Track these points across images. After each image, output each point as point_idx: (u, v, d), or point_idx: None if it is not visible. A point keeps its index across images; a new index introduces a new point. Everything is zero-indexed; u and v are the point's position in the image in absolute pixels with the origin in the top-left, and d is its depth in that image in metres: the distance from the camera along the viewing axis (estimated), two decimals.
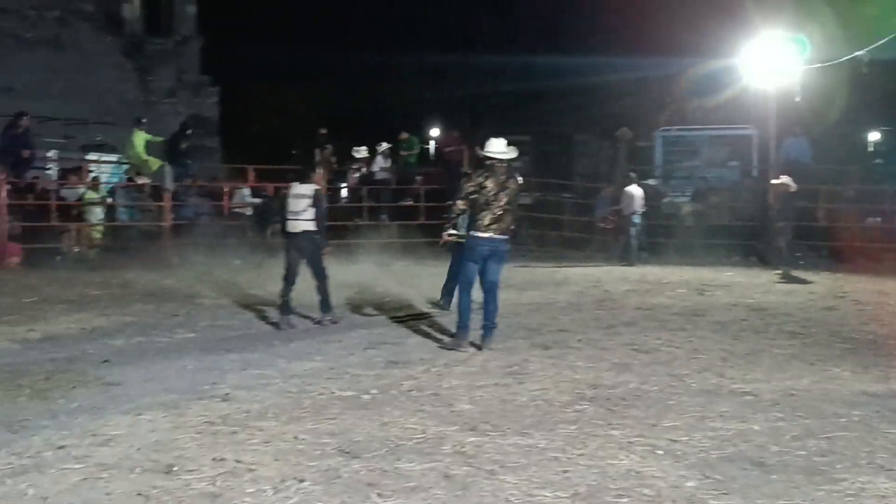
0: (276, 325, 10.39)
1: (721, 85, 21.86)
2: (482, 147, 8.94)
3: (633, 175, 19.12)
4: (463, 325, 8.83)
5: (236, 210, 20.41)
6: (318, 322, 10.51)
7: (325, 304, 10.53)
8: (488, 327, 8.87)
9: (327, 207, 10.57)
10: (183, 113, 30.00)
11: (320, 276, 10.47)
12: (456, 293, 9.51)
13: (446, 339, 9.09)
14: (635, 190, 18.71)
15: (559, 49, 30.55)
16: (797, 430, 5.98)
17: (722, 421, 6.21)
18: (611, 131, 23.72)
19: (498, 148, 8.81)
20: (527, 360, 8.29)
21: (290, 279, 10.41)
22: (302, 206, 10.20)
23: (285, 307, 10.41)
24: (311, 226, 10.22)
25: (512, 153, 8.91)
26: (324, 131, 22.81)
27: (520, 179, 9.26)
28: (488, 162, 8.79)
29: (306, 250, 10.35)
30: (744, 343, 9.34)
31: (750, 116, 21.47)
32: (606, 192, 21.84)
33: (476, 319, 8.94)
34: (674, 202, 21.47)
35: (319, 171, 10.89)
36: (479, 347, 8.74)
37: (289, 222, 10.32)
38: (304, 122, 27.36)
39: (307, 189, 10.31)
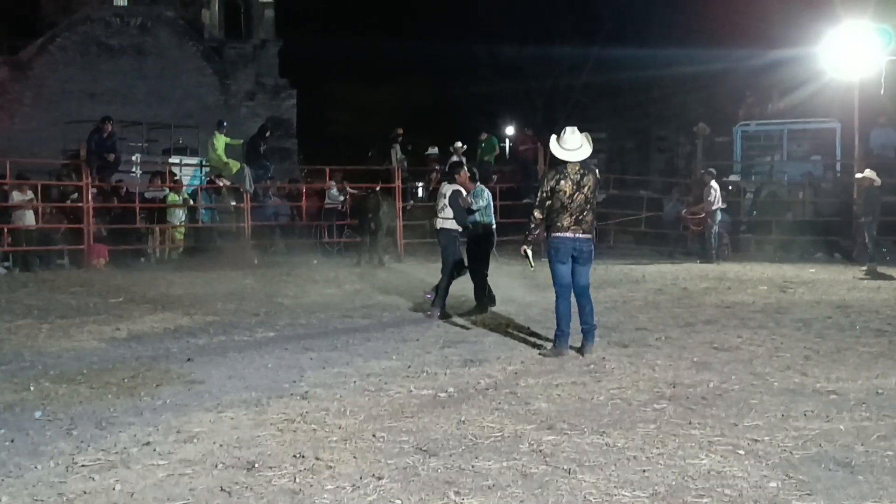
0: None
1: (802, 77, 21.41)
2: (558, 137, 8.55)
3: (712, 171, 18.82)
4: (562, 332, 8.49)
5: (329, 207, 20.69)
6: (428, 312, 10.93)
7: (439, 296, 10.97)
8: (588, 331, 8.53)
9: (469, 205, 10.94)
10: (262, 115, 30.54)
11: (445, 270, 10.99)
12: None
13: (546, 347, 8.71)
14: (714, 185, 18.43)
15: (636, 42, 30.20)
16: (884, 430, 5.83)
17: (805, 420, 6.09)
18: (688, 126, 23.42)
19: (571, 145, 8.42)
20: (604, 359, 8.22)
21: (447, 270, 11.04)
22: (441, 205, 11.01)
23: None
24: (448, 224, 10.93)
25: (586, 148, 8.47)
26: (399, 131, 22.95)
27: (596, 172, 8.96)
28: (558, 163, 8.45)
29: (442, 244, 11.04)
30: (828, 341, 9.11)
31: (832, 109, 20.96)
32: (674, 193, 21.69)
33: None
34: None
35: (464, 172, 11.30)
36: (580, 352, 8.42)
37: (435, 219, 11.22)
38: (382, 121, 27.58)
39: (448, 189, 11.01)
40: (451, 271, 10.98)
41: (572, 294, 8.60)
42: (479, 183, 11.58)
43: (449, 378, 7.48)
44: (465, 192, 10.96)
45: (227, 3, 34.10)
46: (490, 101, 36.70)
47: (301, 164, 29.26)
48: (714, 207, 18.25)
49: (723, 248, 18.74)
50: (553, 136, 8.68)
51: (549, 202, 8.39)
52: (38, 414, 6.34)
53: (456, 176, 11.14)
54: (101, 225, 17.81)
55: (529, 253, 8.72)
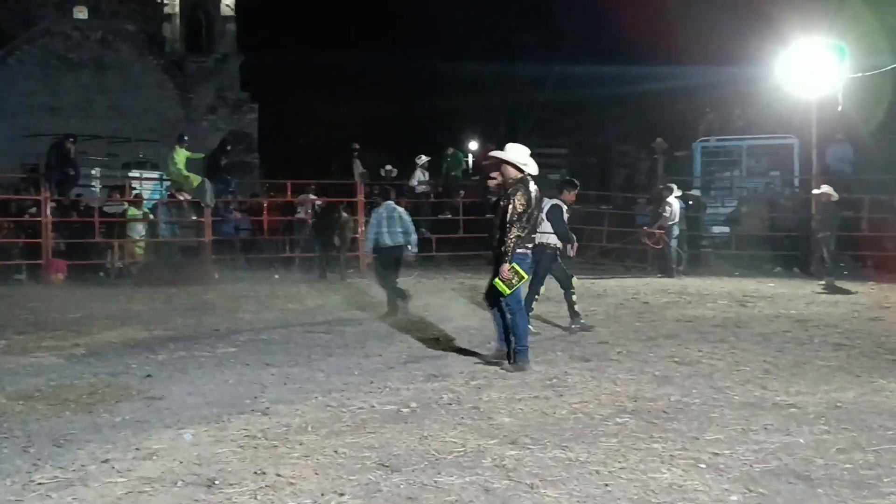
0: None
1: (761, 94, 21.66)
2: (500, 150, 8.75)
3: (671, 186, 18.97)
4: (524, 346, 8.53)
5: (300, 218, 20.55)
6: (568, 329, 10.80)
7: (571, 312, 10.92)
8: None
9: (563, 220, 10.77)
10: (223, 129, 30.43)
11: (564, 284, 10.89)
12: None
13: (506, 363, 8.58)
14: (674, 201, 18.57)
15: (597, 59, 30.42)
16: (843, 443, 5.89)
17: (766, 434, 6.13)
18: (649, 142, 23.61)
19: (524, 158, 8.56)
20: (566, 373, 8.24)
21: (533, 287, 10.66)
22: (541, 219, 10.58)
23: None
24: (547, 238, 10.52)
25: (533, 164, 8.63)
26: (356, 145, 22.93)
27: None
28: (523, 177, 8.48)
29: (545, 261, 10.59)
30: (787, 355, 9.20)
31: (791, 125, 21.23)
32: (643, 203, 21.79)
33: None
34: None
35: (573, 192, 11.17)
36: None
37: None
38: (345, 135, 27.54)
39: (547, 203, 10.54)
40: (569, 279, 10.87)
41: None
42: (389, 202, 12.32)
43: (412, 393, 7.46)
44: (564, 209, 10.86)
45: (188, 17, 33.96)
46: (453, 116, 36.75)
47: (263, 179, 29.14)
48: (671, 223, 18.40)
49: (682, 263, 18.84)
50: (502, 154, 8.67)
51: (524, 218, 8.39)
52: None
53: (565, 191, 11.08)
54: (59, 239, 17.61)
55: (518, 269, 8.56)
